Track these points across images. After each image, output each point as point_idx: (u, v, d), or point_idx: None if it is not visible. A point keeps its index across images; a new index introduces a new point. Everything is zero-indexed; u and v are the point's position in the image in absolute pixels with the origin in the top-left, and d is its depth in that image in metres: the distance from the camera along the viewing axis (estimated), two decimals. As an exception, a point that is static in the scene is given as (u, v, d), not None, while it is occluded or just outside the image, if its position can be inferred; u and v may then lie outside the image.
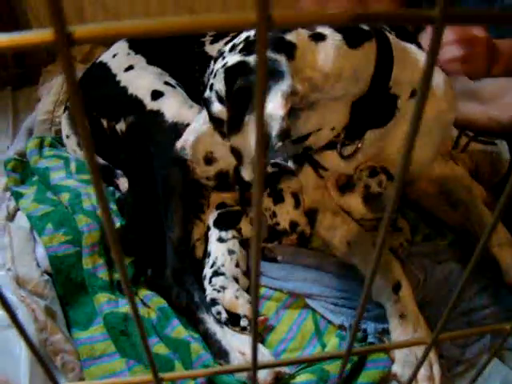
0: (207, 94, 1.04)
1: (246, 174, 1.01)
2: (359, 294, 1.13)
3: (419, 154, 1.18)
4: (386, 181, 1.20)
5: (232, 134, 0.95)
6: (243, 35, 1.01)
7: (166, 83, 1.40)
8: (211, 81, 1.01)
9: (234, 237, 1.23)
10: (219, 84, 0.98)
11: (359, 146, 1.12)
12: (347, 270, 1.18)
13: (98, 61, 1.56)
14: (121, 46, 1.56)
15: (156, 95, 1.36)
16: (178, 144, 1.13)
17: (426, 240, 1.28)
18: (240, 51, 0.96)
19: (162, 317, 1.10)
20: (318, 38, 0.95)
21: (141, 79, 1.41)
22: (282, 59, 0.90)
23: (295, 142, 1.06)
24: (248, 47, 0.96)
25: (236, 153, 0.98)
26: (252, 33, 1.00)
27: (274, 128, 0.86)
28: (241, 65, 0.94)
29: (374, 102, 1.03)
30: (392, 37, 1.06)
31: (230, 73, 0.95)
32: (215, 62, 1.02)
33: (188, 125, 1.28)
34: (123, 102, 1.40)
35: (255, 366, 0.37)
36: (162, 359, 1.03)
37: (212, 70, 1.02)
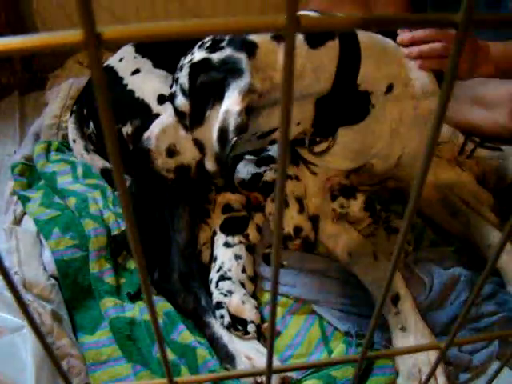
0: (173, 87, 1.06)
1: (210, 164, 1.05)
2: (365, 301, 1.13)
3: (409, 148, 1.19)
4: (346, 201, 1.25)
5: (195, 127, 1.02)
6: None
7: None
8: (177, 75, 1.04)
9: (240, 242, 1.23)
10: (184, 78, 1.00)
11: (331, 142, 1.13)
12: (353, 276, 1.17)
13: (104, 65, 1.57)
14: (127, 50, 1.56)
15: (162, 99, 1.36)
16: (145, 134, 1.14)
17: (433, 246, 1.28)
18: (206, 48, 0.99)
19: (168, 322, 1.10)
20: (280, 38, 0.96)
21: (147, 83, 1.42)
22: (242, 57, 0.93)
23: (260, 138, 1.06)
24: (214, 45, 0.98)
25: (199, 144, 1.04)
26: (218, 35, 1.01)
27: (231, 123, 0.90)
28: (204, 61, 0.97)
29: (341, 99, 1.03)
30: (364, 34, 1.06)
31: (194, 68, 0.98)
32: (185, 58, 1.04)
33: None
34: (130, 105, 1.40)
35: (270, 370, 0.37)
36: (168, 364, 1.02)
37: (181, 65, 1.04)
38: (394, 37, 1.15)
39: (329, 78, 1.00)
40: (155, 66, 1.49)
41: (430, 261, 1.19)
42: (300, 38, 0.98)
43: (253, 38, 0.96)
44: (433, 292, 1.12)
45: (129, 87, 1.43)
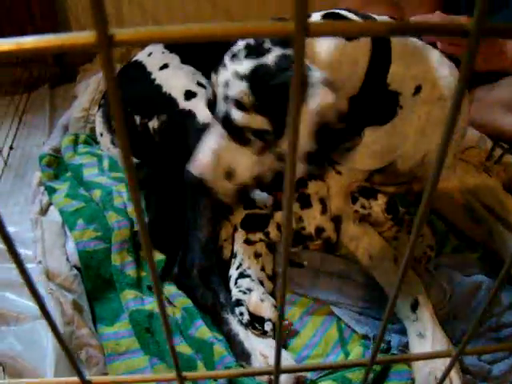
0: (220, 107, 1.01)
1: (300, 167, 0.99)
2: (384, 305, 1.12)
3: (434, 146, 1.17)
4: (367, 201, 1.25)
5: (281, 138, 0.97)
6: (240, 43, 0.99)
7: (199, 84, 1.42)
8: (222, 92, 0.99)
9: (261, 239, 1.24)
10: (237, 91, 0.96)
11: (358, 141, 1.12)
12: (373, 279, 1.16)
13: (133, 59, 1.58)
14: (156, 46, 1.58)
15: (189, 95, 1.37)
16: (193, 166, 1.06)
17: (455, 252, 1.26)
18: (247, 56, 0.96)
19: (187, 316, 1.11)
20: None
21: (175, 78, 1.43)
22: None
23: None
24: (256, 51, 0.96)
25: (280, 154, 1.00)
26: (251, 40, 0.99)
27: (332, 115, 0.90)
28: (261, 68, 0.94)
29: (370, 97, 1.02)
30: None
31: (255, 78, 0.94)
32: (217, 73, 1.01)
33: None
34: (157, 99, 1.42)
35: (278, 369, 0.37)
36: (184, 359, 1.03)
37: (217, 83, 1.01)
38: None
39: (361, 73, 0.99)
40: (183, 61, 1.50)
41: (451, 267, 1.18)
42: None
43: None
44: (453, 300, 1.10)
45: (156, 82, 1.44)
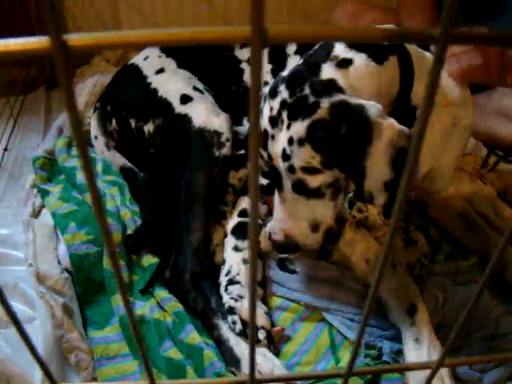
0: (287, 177, 0.98)
1: (380, 200, 0.94)
2: (376, 312, 1.12)
3: (441, 161, 1.17)
4: (363, 205, 1.23)
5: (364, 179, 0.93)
6: (273, 104, 0.96)
7: (195, 88, 1.42)
8: (284, 164, 0.95)
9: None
10: (302, 158, 0.92)
11: None
12: (366, 286, 1.16)
13: (129, 63, 1.58)
14: (152, 49, 1.58)
15: (185, 99, 1.37)
16: (277, 236, 1.04)
17: (448, 259, 1.25)
18: (294, 118, 0.92)
19: (178, 321, 1.10)
20: (346, 63, 0.95)
21: (171, 82, 1.43)
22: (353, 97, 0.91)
23: None
24: (300, 108, 0.92)
25: (368, 194, 0.95)
26: (286, 97, 0.95)
27: (403, 140, 0.89)
28: (319, 123, 0.90)
29: (399, 115, 1.02)
30: (410, 46, 1.05)
31: (316, 137, 0.90)
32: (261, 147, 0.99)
33: (215, 131, 1.30)
34: (153, 103, 1.42)
35: (252, 380, 0.37)
36: (174, 364, 1.02)
37: (271, 156, 0.98)
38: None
39: (395, 92, 1.00)
40: (179, 66, 1.50)
41: (444, 275, 1.17)
42: (364, 56, 0.96)
43: (327, 75, 0.94)
44: (445, 308, 1.10)
45: (152, 86, 1.44)
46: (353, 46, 0.98)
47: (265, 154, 1.00)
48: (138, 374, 1.02)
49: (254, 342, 0.36)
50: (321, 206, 1.01)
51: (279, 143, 0.95)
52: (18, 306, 1.15)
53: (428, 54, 1.08)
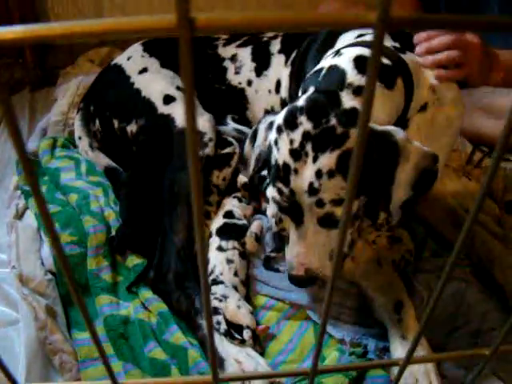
0: (309, 213, 0.95)
1: (395, 219, 0.97)
2: (362, 309, 1.12)
3: None
4: None
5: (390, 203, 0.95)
6: (293, 137, 0.94)
7: (179, 88, 1.41)
8: (310, 200, 0.93)
9: (234, 248, 1.22)
10: (333, 191, 0.91)
11: None
12: (351, 284, 1.15)
13: (112, 63, 1.58)
14: (136, 49, 1.57)
15: (168, 100, 1.37)
16: (298, 271, 1.02)
17: (434, 256, 1.25)
18: (321, 150, 0.91)
19: (162, 321, 1.10)
20: (361, 91, 0.97)
21: (154, 83, 1.43)
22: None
23: None
24: (328, 141, 0.91)
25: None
26: (309, 129, 0.93)
27: (428, 160, 0.92)
28: (349, 153, 0.89)
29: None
30: (406, 57, 1.07)
31: (347, 167, 0.88)
32: (282, 183, 0.96)
33: (198, 132, 1.29)
34: (136, 104, 1.41)
35: (216, 378, 0.36)
36: (159, 364, 1.02)
37: (293, 192, 0.95)
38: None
39: (400, 111, 1.03)
40: (162, 65, 1.49)
41: (430, 272, 1.17)
42: (377, 83, 0.97)
43: (351, 103, 0.94)
44: (430, 305, 1.10)
45: (135, 86, 1.44)
46: (363, 71, 0.99)
47: (286, 190, 0.96)
48: (123, 375, 1.01)
49: (213, 337, 0.35)
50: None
51: (304, 177, 0.92)
52: (1, 309, 1.14)
53: (417, 60, 1.11)
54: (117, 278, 1.21)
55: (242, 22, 0.21)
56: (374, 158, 0.88)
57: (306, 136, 0.92)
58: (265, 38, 1.51)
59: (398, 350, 1.00)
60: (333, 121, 0.91)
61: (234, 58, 1.51)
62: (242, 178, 1.38)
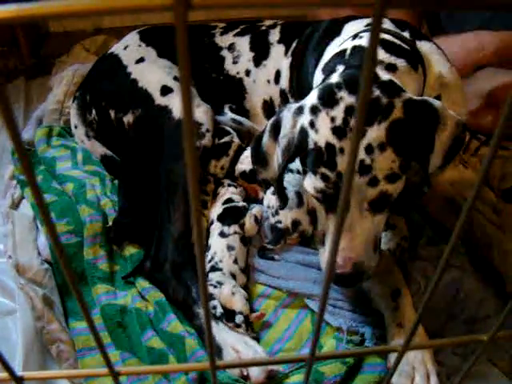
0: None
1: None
2: (359, 297, 1.12)
3: None
4: None
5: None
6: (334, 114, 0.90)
7: (176, 78, 1.40)
8: (360, 180, 0.87)
9: (235, 232, 1.22)
10: (385, 166, 0.87)
11: None
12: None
13: (109, 52, 1.56)
14: (132, 38, 1.56)
15: (165, 91, 1.36)
16: (344, 269, 0.93)
17: (431, 244, 1.25)
18: (370, 123, 0.87)
19: (159, 310, 1.10)
20: (392, 67, 0.98)
21: (151, 73, 1.41)
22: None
23: None
24: (377, 110, 0.87)
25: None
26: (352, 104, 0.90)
27: (460, 129, 0.93)
28: (398, 122, 0.87)
29: None
30: (419, 45, 1.10)
31: (397, 138, 0.87)
32: (323, 167, 0.90)
33: (195, 122, 1.29)
34: (132, 94, 1.40)
35: (213, 365, 0.36)
36: (156, 353, 1.02)
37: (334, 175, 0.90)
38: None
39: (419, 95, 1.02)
40: (160, 55, 1.48)
41: (426, 260, 1.17)
42: (404, 63, 1.00)
43: (387, 76, 0.94)
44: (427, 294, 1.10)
45: (132, 76, 1.42)
46: (390, 51, 1.00)
47: (331, 175, 0.89)
48: (120, 363, 1.01)
49: (210, 322, 0.35)
50: (382, 221, 0.96)
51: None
52: (-2, 299, 1.14)
53: (425, 49, 1.13)
54: (114, 268, 1.21)
55: None
56: (419, 127, 0.88)
57: (349, 111, 0.88)
58: (263, 27, 1.49)
59: (395, 338, 1.00)
60: (376, 92, 0.88)
61: (231, 48, 1.49)
62: (240, 167, 1.38)
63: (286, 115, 0.99)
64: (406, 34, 1.11)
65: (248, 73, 1.46)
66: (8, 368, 0.35)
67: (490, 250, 1.18)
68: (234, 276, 1.15)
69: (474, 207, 1.03)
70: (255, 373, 0.95)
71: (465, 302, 1.10)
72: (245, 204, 1.32)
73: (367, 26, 1.15)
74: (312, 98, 0.94)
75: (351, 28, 1.16)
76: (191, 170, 0.27)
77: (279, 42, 1.43)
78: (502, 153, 1.39)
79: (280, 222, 1.24)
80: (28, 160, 0.28)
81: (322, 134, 0.90)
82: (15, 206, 1.33)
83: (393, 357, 0.97)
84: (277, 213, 1.25)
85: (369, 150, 0.86)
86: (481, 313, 1.09)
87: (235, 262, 1.17)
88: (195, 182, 0.28)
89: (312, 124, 0.92)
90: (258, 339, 1.07)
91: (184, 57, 0.22)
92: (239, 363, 0.43)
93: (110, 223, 1.26)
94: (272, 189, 1.30)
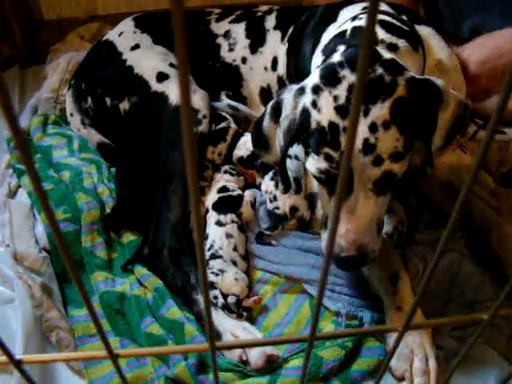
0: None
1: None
2: (357, 282, 1.12)
3: None
4: None
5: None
6: (336, 91, 0.89)
7: (172, 65, 1.40)
8: (363, 160, 0.86)
9: (232, 221, 1.22)
10: (389, 145, 0.86)
11: None
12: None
13: (103, 39, 1.55)
14: (127, 25, 1.55)
15: (161, 77, 1.35)
16: (348, 252, 0.92)
17: (429, 228, 1.25)
18: (372, 101, 0.86)
19: (158, 297, 1.10)
20: (394, 47, 0.98)
21: (147, 60, 1.40)
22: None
23: None
24: (379, 88, 0.87)
25: None
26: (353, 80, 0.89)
27: (462, 109, 0.94)
28: (401, 100, 0.87)
29: None
30: (418, 29, 1.09)
31: (400, 117, 0.86)
32: (328, 147, 0.89)
33: (192, 109, 1.28)
34: (128, 81, 1.40)
35: (213, 346, 0.36)
36: (155, 339, 1.02)
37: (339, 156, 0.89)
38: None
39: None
40: (155, 42, 1.47)
41: (425, 244, 1.18)
42: (405, 43, 0.99)
43: (388, 56, 0.92)
44: (425, 277, 1.10)
45: (128, 63, 1.41)
46: (391, 31, 1.00)
47: (335, 155, 0.88)
48: (120, 350, 1.01)
49: (209, 311, 0.35)
50: (386, 203, 0.95)
51: (357, 135, 0.84)
52: (-4, 288, 1.14)
53: (425, 33, 1.13)
54: (112, 255, 1.21)
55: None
56: (421, 105, 0.88)
57: (352, 89, 0.87)
58: (259, 13, 1.48)
59: (394, 322, 1.00)
60: (379, 70, 0.87)
61: (227, 35, 1.48)
62: (238, 153, 1.38)
63: (287, 96, 0.98)
64: (404, 18, 1.11)
65: (244, 60, 1.45)
66: (7, 352, 0.35)
67: (488, 234, 1.18)
68: (234, 263, 1.15)
69: (472, 191, 1.03)
70: (254, 357, 0.95)
71: (463, 285, 1.10)
72: (240, 193, 1.31)
73: (364, 9, 1.14)
74: (314, 78, 0.93)
75: (348, 13, 1.15)
76: (189, 156, 0.27)
77: (275, 28, 1.42)
78: (500, 137, 1.38)
79: (278, 207, 1.24)
80: (26, 146, 0.28)
81: (324, 114, 0.89)
82: (12, 194, 1.33)
83: (392, 339, 0.98)
84: (275, 198, 1.25)
85: (373, 128, 0.85)
86: (479, 296, 1.09)
87: (235, 249, 1.17)
88: (194, 168, 0.27)
89: (314, 104, 0.91)
90: (255, 324, 1.07)
91: (181, 42, 0.22)
92: (239, 344, 0.43)
93: (108, 211, 1.26)
94: (270, 174, 1.30)
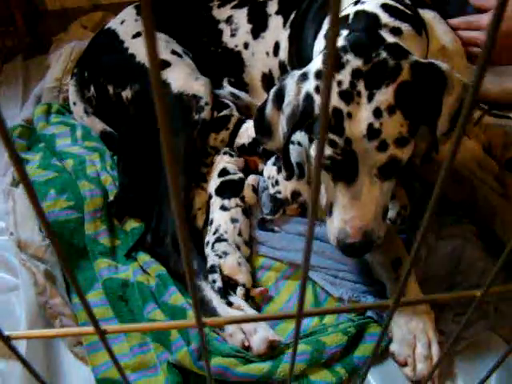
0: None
1: None
2: (360, 268, 1.12)
3: None
4: None
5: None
6: (341, 75, 0.87)
7: (174, 52, 1.39)
8: (368, 145, 0.85)
9: (236, 205, 1.22)
10: (394, 130, 0.85)
11: None
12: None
13: (105, 27, 1.55)
14: (129, 13, 1.55)
15: (163, 65, 1.35)
16: (354, 239, 0.91)
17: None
18: (376, 86, 0.85)
19: (161, 283, 1.10)
20: (397, 31, 0.96)
21: None
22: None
23: None
24: (381, 74, 0.86)
25: None
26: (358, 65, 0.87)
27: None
28: (405, 85, 0.86)
29: None
30: (422, 13, 1.08)
31: (404, 103, 0.85)
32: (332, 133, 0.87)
33: (194, 96, 1.28)
34: (130, 69, 1.39)
35: (200, 323, 0.36)
36: (158, 325, 1.02)
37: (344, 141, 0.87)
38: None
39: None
40: (157, 29, 1.46)
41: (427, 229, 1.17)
42: (409, 27, 0.97)
43: (391, 40, 0.91)
44: (428, 262, 1.10)
45: (130, 51, 1.41)
46: (394, 15, 0.98)
47: (339, 141, 0.86)
48: (123, 337, 1.02)
49: (195, 287, 0.35)
50: (391, 189, 0.94)
51: (361, 120, 0.84)
52: (1, 275, 1.15)
53: (428, 17, 1.12)
54: (115, 242, 1.22)
55: None
56: (426, 89, 0.87)
57: (356, 74, 0.85)
58: None
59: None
60: (383, 54, 0.86)
61: (229, 20, 1.47)
62: (239, 142, 1.38)
63: (290, 82, 0.97)
64: (407, 1, 1.09)
65: (246, 45, 1.44)
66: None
67: (492, 219, 1.17)
68: (238, 248, 1.15)
69: (476, 176, 1.01)
70: (257, 343, 0.95)
71: (467, 271, 1.09)
72: (241, 175, 1.32)
73: None
74: (317, 63, 0.93)
75: None
76: (163, 121, 0.27)
77: (277, 13, 1.41)
78: (506, 122, 1.37)
79: (279, 192, 1.24)
80: (11, 142, 0.28)
81: (332, 98, 0.87)
82: (16, 183, 1.33)
83: (395, 328, 0.98)
84: (277, 183, 1.25)
85: (377, 113, 0.84)
86: (482, 282, 1.08)
87: (239, 234, 1.18)
88: (167, 133, 0.27)
89: (318, 89, 0.91)
90: (259, 311, 1.08)
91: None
92: (227, 320, 0.43)
93: (111, 198, 1.27)
94: (272, 159, 1.30)
